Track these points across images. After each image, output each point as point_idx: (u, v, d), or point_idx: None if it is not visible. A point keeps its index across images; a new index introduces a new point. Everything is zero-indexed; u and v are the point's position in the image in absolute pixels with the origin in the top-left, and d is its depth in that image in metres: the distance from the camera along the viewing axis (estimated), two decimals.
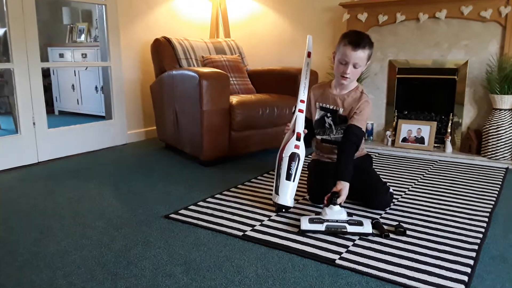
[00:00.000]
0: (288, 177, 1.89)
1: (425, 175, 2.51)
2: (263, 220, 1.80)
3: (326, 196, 1.78)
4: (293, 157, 1.90)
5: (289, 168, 1.89)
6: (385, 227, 1.70)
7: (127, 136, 3.46)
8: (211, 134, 2.63)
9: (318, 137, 2.09)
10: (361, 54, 1.86)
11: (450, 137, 3.01)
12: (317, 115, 2.08)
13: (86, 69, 4.61)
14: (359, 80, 2.17)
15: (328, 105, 2.03)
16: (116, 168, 2.67)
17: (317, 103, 2.07)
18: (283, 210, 1.89)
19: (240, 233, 1.67)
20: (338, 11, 3.45)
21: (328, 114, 2.03)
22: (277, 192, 1.90)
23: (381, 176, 2.15)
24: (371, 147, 3.16)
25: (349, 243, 1.57)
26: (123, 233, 1.69)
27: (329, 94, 2.03)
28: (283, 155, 1.92)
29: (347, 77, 1.90)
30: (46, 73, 4.75)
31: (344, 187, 1.78)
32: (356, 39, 1.86)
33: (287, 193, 1.88)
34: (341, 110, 1.99)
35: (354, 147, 1.89)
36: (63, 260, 1.47)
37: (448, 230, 1.69)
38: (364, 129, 1.95)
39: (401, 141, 3.16)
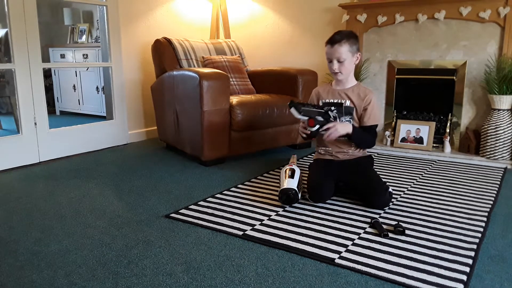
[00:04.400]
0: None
1: (424, 175, 2.52)
2: (263, 220, 1.81)
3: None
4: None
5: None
6: (384, 226, 1.71)
7: (128, 136, 3.47)
8: (211, 134, 2.64)
9: (323, 132, 2.13)
10: (339, 49, 2.03)
11: (448, 137, 3.02)
12: None
13: (87, 69, 4.62)
14: (358, 79, 2.24)
15: (332, 100, 2.17)
16: (117, 168, 2.68)
17: (320, 101, 2.20)
18: (291, 194, 1.93)
19: (240, 233, 1.68)
20: (338, 12, 3.46)
21: (332, 108, 2.13)
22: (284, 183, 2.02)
23: (380, 176, 2.16)
24: None
25: (349, 243, 1.58)
26: (124, 232, 1.70)
27: (333, 91, 2.18)
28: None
29: (337, 72, 2.08)
30: (47, 74, 4.78)
31: (347, 128, 2.02)
32: (332, 37, 2.06)
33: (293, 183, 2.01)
34: (347, 103, 2.12)
35: (372, 140, 2.13)
36: (64, 259, 1.48)
37: (447, 230, 1.70)
38: (378, 122, 2.15)
39: (400, 141, 3.17)
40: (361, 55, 2.11)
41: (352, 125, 2.06)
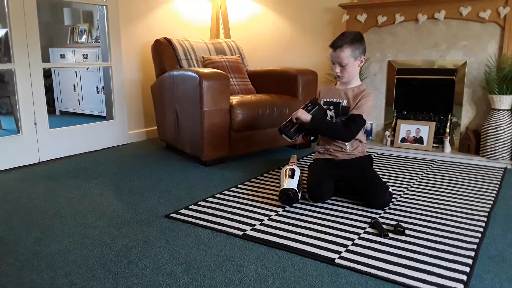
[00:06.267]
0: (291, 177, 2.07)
1: (424, 175, 2.52)
2: (263, 220, 1.81)
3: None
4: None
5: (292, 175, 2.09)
6: (384, 226, 1.71)
7: (128, 136, 3.47)
8: (211, 134, 2.64)
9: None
10: (340, 54, 2.04)
11: (448, 137, 3.02)
12: None
13: (87, 69, 4.62)
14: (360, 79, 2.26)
15: (332, 99, 2.20)
16: (117, 168, 2.68)
17: (322, 100, 2.23)
18: (291, 194, 1.94)
19: (240, 233, 1.68)
20: (338, 12, 3.46)
21: (331, 107, 2.17)
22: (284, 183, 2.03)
23: (380, 176, 2.16)
24: (371, 147, 3.17)
25: (349, 243, 1.58)
26: (124, 232, 1.70)
27: (335, 90, 2.21)
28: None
29: (339, 75, 2.12)
30: (47, 74, 4.77)
31: (306, 115, 2.09)
32: (335, 41, 2.06)
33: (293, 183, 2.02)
34: (344, 102, 2.14)
35: (345, 128, 2.07)
36: (64, 259, 1.48)
37: (447, 230, 1.70)
38: (365, 117, 2.08)
39: (400, 141, 3.17)
40: (364, 57, 2.11)
41: (314, 116, 2.11)
